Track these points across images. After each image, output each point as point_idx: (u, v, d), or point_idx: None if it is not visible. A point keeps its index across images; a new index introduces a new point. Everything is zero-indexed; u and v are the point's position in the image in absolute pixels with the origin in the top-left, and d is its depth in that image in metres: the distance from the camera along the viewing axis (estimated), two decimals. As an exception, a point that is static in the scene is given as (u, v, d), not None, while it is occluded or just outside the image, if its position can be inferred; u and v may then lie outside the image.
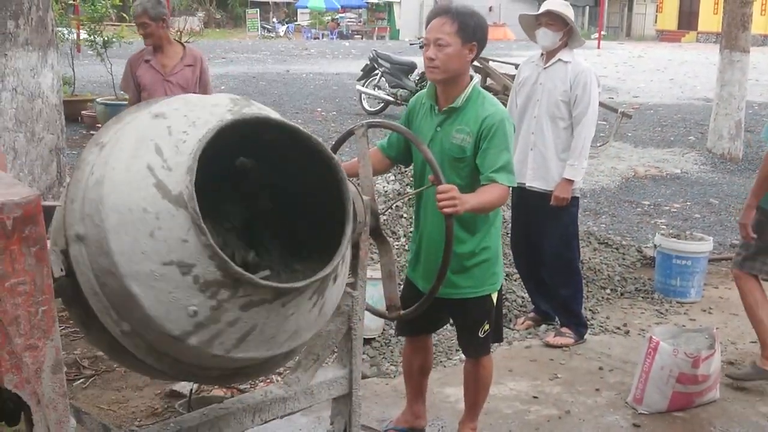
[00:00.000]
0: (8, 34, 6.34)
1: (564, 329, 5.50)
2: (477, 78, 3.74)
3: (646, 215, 8.95)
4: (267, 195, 2.99)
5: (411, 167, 3.99)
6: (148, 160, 2.40)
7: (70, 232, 2.43)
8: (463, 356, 4.24)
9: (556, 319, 5.73)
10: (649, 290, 6.51)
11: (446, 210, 3.24)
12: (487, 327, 3.85)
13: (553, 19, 5.25)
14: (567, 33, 5.26)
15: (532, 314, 5.79)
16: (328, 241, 2.75)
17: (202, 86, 5.83)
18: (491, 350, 4.03)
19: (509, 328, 5.60)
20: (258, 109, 2.67)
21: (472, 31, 3.57)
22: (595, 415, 4.54)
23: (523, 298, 6.04)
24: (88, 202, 2.40)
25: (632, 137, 13.54)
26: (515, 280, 6.18)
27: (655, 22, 54.23)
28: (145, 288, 2.34)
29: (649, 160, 11.70)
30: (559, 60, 5.30)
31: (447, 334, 5.31)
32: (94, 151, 2.54)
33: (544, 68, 5.34)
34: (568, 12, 5.28)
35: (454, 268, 3.61)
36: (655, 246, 6.68)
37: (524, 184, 5.35)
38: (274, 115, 2.65)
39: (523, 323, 5.74)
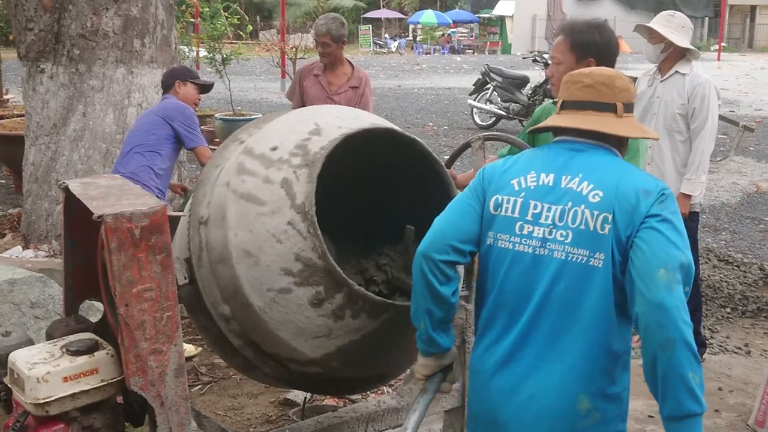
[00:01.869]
0: (135, 52, 6.63)
1: None
2: None
3: (769, 233, 8.62)
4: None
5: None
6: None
7: (196, 217, 2.54)
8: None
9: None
10: (779, 312, 6.26)
11: None
12: None
13: (651, 33, 5.15)
14: (671, 45, 5.12)
15: None
16: None
17: (362, 108, 5.87)
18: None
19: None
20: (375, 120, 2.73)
21: (587, 47, 3.52)
22: None
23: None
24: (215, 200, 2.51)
25: (755, 151, 13.06)
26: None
27: (779, 32, 52.22)
28: (267, 303, 2.43)
29: (772, 176, 11.28)
30: (677, 72, 5.18)
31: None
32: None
33: (661, 81, 5.24)
34: (672, 24, 5.14)
35: None
36: (779, 265, 6.43)
37: None
38: (394, 126, 2.70)
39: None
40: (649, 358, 2.25)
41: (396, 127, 2.71)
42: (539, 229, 2.36)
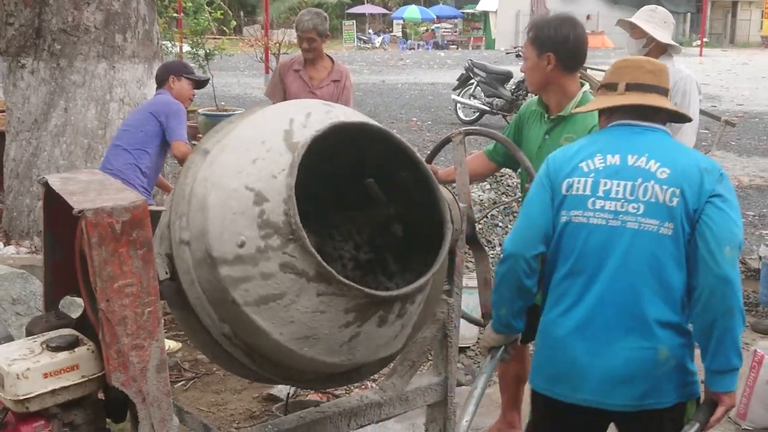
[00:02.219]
0: (116, 47, 6.60)
1: None
2: (587, 86, 3.70)
3: (751, 226, 8.66)
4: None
5: (510, 176, 3.98)
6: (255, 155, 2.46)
7: (176, 235, 2.50)
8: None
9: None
10: (754, 303, 6.29)
11: None
12: None
13: (633, 28, 5.17)
14: (652, 40, 5.13)
15: None
16: (422, 251, 2.78)
17: (343, 101, 5.86)
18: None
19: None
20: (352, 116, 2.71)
21: (543, 42, 3.56)
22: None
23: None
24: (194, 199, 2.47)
25: (736, 146, 13.14)
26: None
27: (761, 28, 52.41)
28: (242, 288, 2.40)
29: (753, 170, 11.34)
30: None
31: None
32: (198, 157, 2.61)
33: None
34: (654, 19, 5.16)
35: None
36: (760, 258, 6.45)
37: None
38: (371, 121, 2.68)
39: None
40: (708, 323, 2.58)
41: (369, 120, 2.70)
42: (611, 203, 2.67)
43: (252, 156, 2.46)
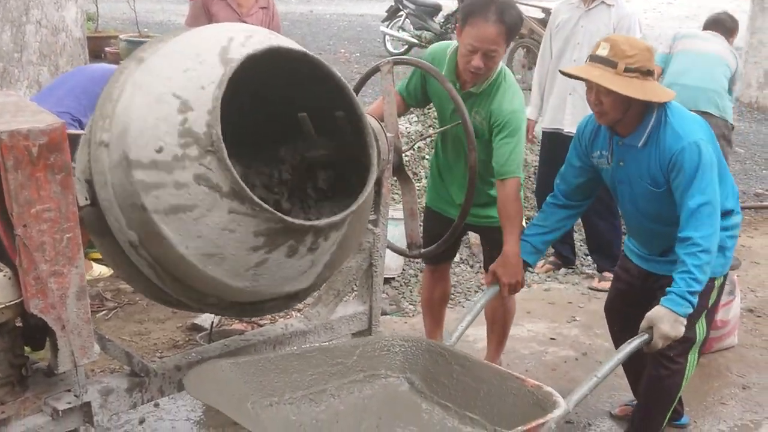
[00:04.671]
0: (32, -34, 6.31)
1: (606, 273, 5.46)
2: (502, 64, 3.61)
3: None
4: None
5: (434, 109, 3.95)
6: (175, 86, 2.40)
7: (96, 135, 2.43)
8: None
9: (576, 263, 5.74)
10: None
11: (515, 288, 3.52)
12: None
13: None
14: None
15: (552, 258, 5.79)
16: (348, 192, 2.75)
17: (274, 28, 5.68)
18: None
19: (529, 271, 5.61)
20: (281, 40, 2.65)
21: (515, 31, 3.50)
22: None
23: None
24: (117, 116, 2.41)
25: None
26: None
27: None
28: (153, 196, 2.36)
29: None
30: (603, 2, 5.24)
31: (466, 275, 5.33)
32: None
33: (587, 10, 5.28)
34: None
35: (484, 201, 3.66)
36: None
37: (561, 129, 5.31)
38: (297, 46, 2.63)
39: (543, 266, 5.74)
40: None
41: (310, 53, 2.64)
42: None
43: (184, 66, 2.41)
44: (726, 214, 3.26)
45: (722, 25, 6.30)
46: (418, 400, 2.83)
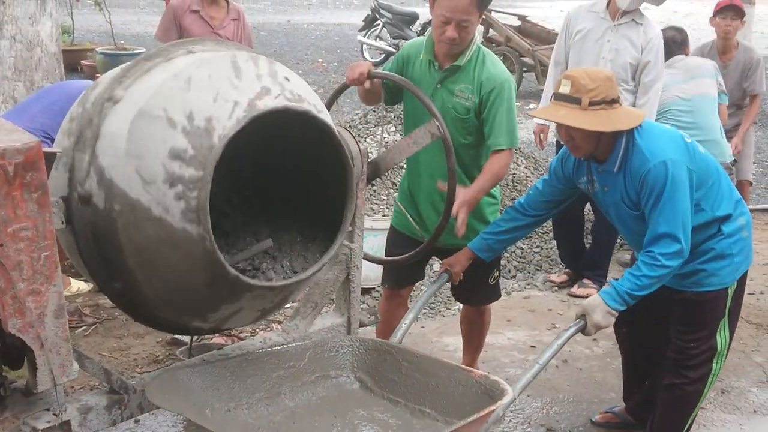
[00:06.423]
0: (6, -19, 6.28)
1: (586, 280, 5.52)
2: (478, 36, 3.64)
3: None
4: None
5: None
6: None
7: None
8: (460, 306, 4.27)
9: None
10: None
11: (464, 220, 3.38)
12: (496, 274, 3.91)
13: None
14: None
15: (568, 270, 5.81)
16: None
17: (245, 41, 5.65)
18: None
19: (506, 278, 5.64)
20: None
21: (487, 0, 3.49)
22: (591, 365, 4.59)
23: (522, 249, 6.06)
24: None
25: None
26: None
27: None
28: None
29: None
30: (633, 20, 5.09)
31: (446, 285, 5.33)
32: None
33: (615, 25, 5.09)
34: None
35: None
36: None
37: None
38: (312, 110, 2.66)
39: (559, 277, 5.73)
40: None
41: (311, 109, 2.64)
42: None
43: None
44: (723, 219, 3.30)
45: (674, 44, 5.69)
46: (369, 397, 2.93)
